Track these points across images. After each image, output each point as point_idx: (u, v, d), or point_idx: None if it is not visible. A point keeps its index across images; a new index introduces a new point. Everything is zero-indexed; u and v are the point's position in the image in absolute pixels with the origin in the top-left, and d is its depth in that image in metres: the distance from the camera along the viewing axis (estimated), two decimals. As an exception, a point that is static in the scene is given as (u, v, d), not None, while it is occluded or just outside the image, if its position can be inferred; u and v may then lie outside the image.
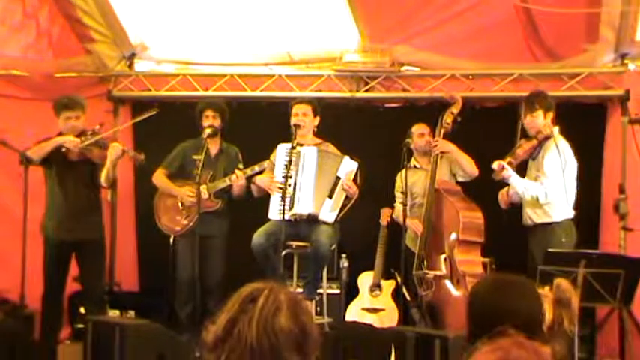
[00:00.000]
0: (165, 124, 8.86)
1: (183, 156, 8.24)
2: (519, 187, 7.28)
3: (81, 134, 7.56)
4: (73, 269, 7.78)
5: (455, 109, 8.01)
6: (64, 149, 7.46)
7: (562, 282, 3.79)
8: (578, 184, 7.37)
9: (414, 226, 7.84)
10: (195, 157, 8.06)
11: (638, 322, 7.58)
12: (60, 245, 7.58)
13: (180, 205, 8.14)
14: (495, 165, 7.27)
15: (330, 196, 7.67)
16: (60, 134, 7.59)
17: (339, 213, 7.74)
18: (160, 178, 8.24)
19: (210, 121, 8.10)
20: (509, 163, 7.31)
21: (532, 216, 7.39)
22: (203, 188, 7.87)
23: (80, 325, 7.95)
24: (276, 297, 2.40)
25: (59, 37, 9.17)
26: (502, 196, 7.52)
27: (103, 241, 7.93)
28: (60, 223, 7.58)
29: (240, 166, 8.08)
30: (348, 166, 7.73)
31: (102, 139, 7.59)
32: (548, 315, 3.60)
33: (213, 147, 8.17)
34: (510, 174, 7.28)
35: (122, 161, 7.84)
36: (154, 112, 8.11)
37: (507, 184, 7.42)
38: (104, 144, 7.55)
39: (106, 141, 7.63)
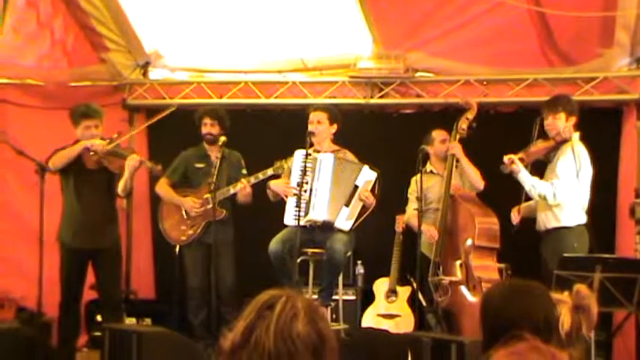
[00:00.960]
0: (179, 132, 8.90)
1: (185, 165, 8.27)
2: (527, 183, 7.26)
3: (111, 142, 7.58)
4: (90, 277, 7.81)
5: (470, 115, 8.01)
6: (91, 152, 7.48)
7: (581, 288, 3.79)
8: (594, 189, 7.36)
9: (429, 233, 7.84)
10: (197, 166, 8.10)
11: (655, 327, 7.57)
12: (76, 254, 7.61)
13: (184, 214, 8.16)
14: (506, 158, 7.27)
15: (347, 205, 7.69)
16: (76, 143, 7.61)
17: (356, 221, 7.75)
18: (163, 187, 8.28)
19: (208, 128, 8.15)
20: (521, 159, 7.29)
21: (544, 221, 7.39)
22: (207, 196, 7.91)
23: (97, 333, 7.99)
24: (294, 304, 2.42)
25: (73, 46, 9.22)
26: (514, 213, 7.51)
27: (120, 249, 7.96)
28: (76, 231, 7.61)
29: (244, 171, 8.11)
30: (367, 176, 7.75)
31: (120, 149, 7.62)
32: (567, 321, 3.61)
33: (214, 154, 8.19)
34: (520, 169, 7.26)
35: (147, 169, 7.86)
36: (173, 110, 8.15)
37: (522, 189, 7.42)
38: (122, 154, 7.58)
39: (125, 151, 7.65)
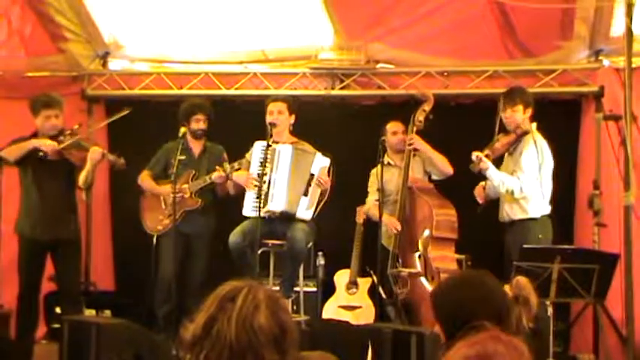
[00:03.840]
0: (139, 123, 8.86)
1: (166, 157, 8.25)
2: (496, 179, 7.33)
3: (59, 134, 7.54)
4: (49, 269, 7.76)
5: (427, 107, 8.04)
6: (40, 153, 7.43)
7: (520, 279, 3.83)
8: (554, 180, 7.43)
9: (391, 224, 7.85)
10: (179, 158, 8.08)
11: (611, 317, 7.64)
12: (35, 245, 7.57)
13: (163, 204, 8.17)
14: (474, 156, 7.31)
15: (306, 194, 7.70)
16: (35, 133, 7.56)
17: (315, 210, 7.77)
18: (145, 179, 8.30)
19: (200, 125, 8.15)
20: (487, 156, 7.35)
21: (509, 212, 7.46)
22: (185, 187, 7.91)
23: (56, 325, 7.95)
24: (255, 295, 2.43)
25: (31, 36, 9.12)
26: (479, 190, 7.57)
27: (79, 241, 7.92)
28: (35, 222, 7.57)
29: (226, 164, 8.08)
30: (321, 162, 7.76)
31: (81, 141, 7.57)
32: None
33: (197, 147, 8.23)
34: (488, 166, 7.32)
35: (108, 161, 7.81)
36: (127, 112, 8.10)
37: (483, 179, 7.46)
38: (84, 146, 7.53)
39: (86, 143, 7.60)
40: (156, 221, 8.20)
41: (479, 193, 7.57)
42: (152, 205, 8.28)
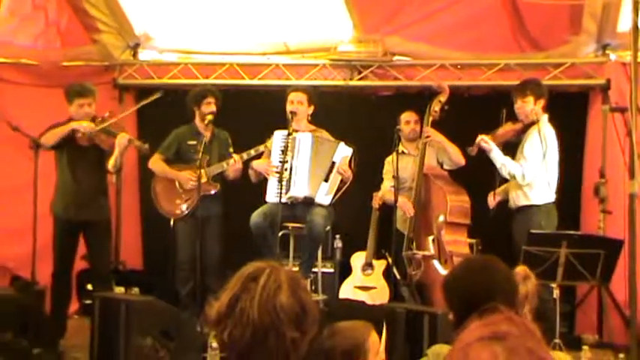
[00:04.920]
0: (167, 111, 8.86)
1: (178, 142, 8.20)
2: (498, 161, 7.30)
3: (92, 120, 7.55)
4: (82, 248, 7.79)
5: (442, 98, 8.02)
6: (79, 134, 7.46)
7: (520, 269, 3.82)
8: (561, 169, 7.39)
9: (405, 207, 7.82)
10: (190, 143, 8.06)
11: (615, 299, 7.63)
12: (68, 225, 7.59)
13: (179, 188, 8.12)
14: (478, 138, 7.30)
15: (326, 180, 7.69)
16: (70, 120, 7.58)
17: (334, 196, 7.75)
18: (157, 162, 8.21)
19: (212, 107, 8.08)
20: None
21: (515, 199, 7.44)
22: (203, 172, 7.87)
23: (88, 301, 7.99)
24: (277, 276, 2.42)
25: (67, 28, 9.18)
26: (490, 197, 7.54)
27: (109, 222, 7.93)
28: (68, 203, 7.59)
29: (231, 149, 8.08)
30: (344, 152, 7.74)
31: (111, 127, 7.58)
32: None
33: (207, 132, 8.15)
34: (491, 147, 7.30)
35: (134, 147, 7.82)
36: (158, 95, 8.10)
37: (489, 167, 7.42)
38: (113, 132, 7.54)
39: (116, 130, 7.61)
40: (173, 205, 8.14)
41: (490, 201, 7.54)
42: (167, 189, 8.18)
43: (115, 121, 7.68)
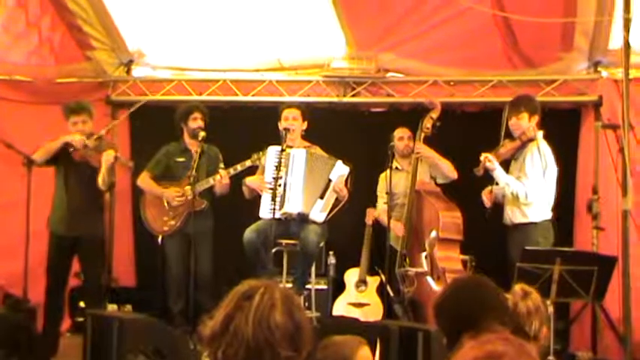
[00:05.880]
0: (160, 127, 8.86)
1: (166, 158, 8.22)
2: (502, 180, 7.30)
3: (87, 138, 7.55)
4: (76, 266, 7.78)
5: (434, 114, 8.05)
6: (71, 148, 7.46)
7: (521, 290, 3.81)
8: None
9: (396, 229, 7.86)
10: (178, 160, 8.07)
11: (609, 316, 7.61)
12: (61, 240, 7.64)
13: (166, 205, 8.10)
14: (482, 157, 7.29)
15: (322, 197, 7.69)
16: None
17: (329, 214, 7.74)
18: (145, 180, 8.22)
19: (198, 122, 8.08)
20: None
21: (510, 215, 7.42)
22: (188, 188, 7.86)
23: (80, 319, 7.95)
24: (272, 294, 2.41)
25: (60, 45, 9.17)
26: (486, 194, 7.51)
27: (103, 238, 7.91)
28: (61, 219, 7.64)
29: (222, 165, 8.08)
30: (341, 170, 7.75)
31: (102, 145, 7.57)
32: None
33: (194, 148, 8.12)
34: (495, 166, 7.30)
35: (120, 164, 7.81)
36: (142, 103, 8.14)
37: (488, 183, 7.41)
38: (103, 149, 7.55)
39: (106, 147, 7.61)
40: (161, 222, 8.14)
41: (486, 197, 7.50)
42: (154, 206, 8.19)
43: (101, 135, 7.67)
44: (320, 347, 4.04)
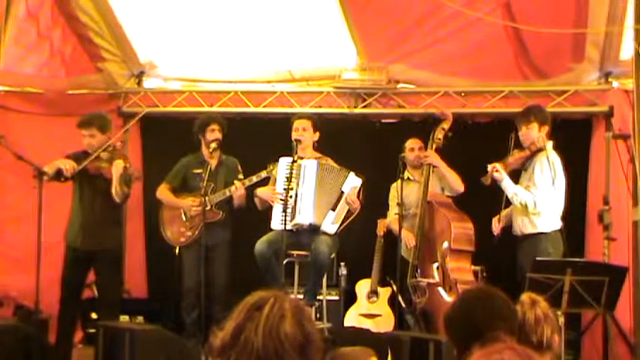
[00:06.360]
0: (172, 138, 8.91)
1: (184, 170, 8.25)
2: (510, 191, 7.29)
3: (99, 150, 7.54)
4: (92, 276, 7.84)
5: (446, 125, 8.05)
6: (62, 178, 7.49)
7: (529, 298, 3.81)
8: (565, 196, 7.39)
9: (407, 239, 7.86)
10: (195, 171, 8.09)
11: (621, 327, 7.59)
12: (76, 253, 7.64)
13: (183, 216, 8.14)
14: (489, 167, 7.29)
15: (334, 209, 7.69)
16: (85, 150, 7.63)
17: (340, 225, 7.75)
18: (163, 192, 8.28)
19: (216, 134, 8.11)
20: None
21: (520, 226, 7.40)
22: (207, 199, 7.90)
23: (92, 330, 7.96)
24: (281, 305, 2.42)
25: (71, 56, 9.23)
26: (494, 223, 7.53)
27: (119, 252, 7.89)
28: (77, 232, 7.65)
29: (241, 176, 8.09)
30: (353, 182, 7.76)
31: (114, 157, 7.57)
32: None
33: (213, 159, 8.18)
34: (503, 176, 7.29)
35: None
36: (143, 113, 8.20)
37: (497, 194, 7.41)
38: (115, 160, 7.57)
39: (117, 158, 7.63)
40: (178, 233, 8.19)
41: (495, 225, 7.52)
42: (172, 217, 8.24)
43: (109, 146, 7.66)
44: (329, 359, 4.05)
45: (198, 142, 8.23)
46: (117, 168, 7.45)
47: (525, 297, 3.91)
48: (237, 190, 7.89)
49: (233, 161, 8.28)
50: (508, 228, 7.53)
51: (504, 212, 7.50)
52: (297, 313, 2.43)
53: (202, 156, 8.19)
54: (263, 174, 7.90)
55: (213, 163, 8.16)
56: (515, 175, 7.49)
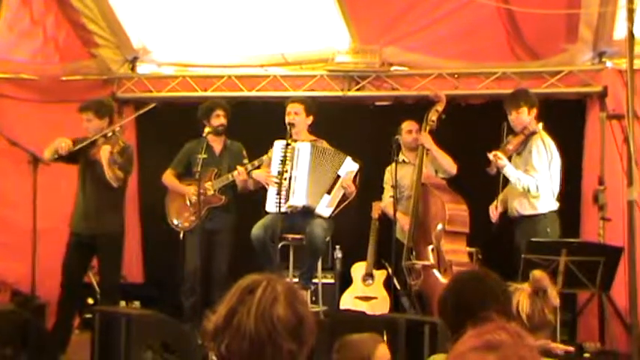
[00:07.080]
0: (165, 123, 8.91)
1: (188, 156, 8.25)
2: (513, 176, 7.30)
3: (104, 136, 7.55)
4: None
5: (439, 107, 8.05)
6: (55, 155, 7.48)
7: (536, 273, 3.81)
8: (560, 177, 7.40)
9: (402, 221, 7.87)
10: (199, 156, 8.08)
11: (616, 307, 7.62)
12: (76, 238, 7.66)
13: (188, 202, 8.16)
14: (491, 155, 7.29)
15: (329, 192, 7.70)
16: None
17: (335, 209, 7.76)
18: (168, 178, 8.31)
19: (221, 120, 8.13)
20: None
21: (518, 208, 7.42)
22: (208, 185, 7.93)
23: (88, 315, 7.97)
24: (274, 288, 2.42)
25: (65, 42, 9.19)
26: (492, 211, 7.54)
27: (119, 237, 7.86)
28: (80, 217, 7.67)
29: (245, 161, 8.10)
30: (350, 166, 7.76)
31: (110, 141, 7.56)
32: (526, 305, 3.63)
33: (218, 144, 8.21)
34: (505, 163, 7.30)
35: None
36: (153, 106, 8.16)
37: (494, 179, 7.42)
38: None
39: (113, 143, 7.63)
40: (182, 218, 8.21)
41: (492, 213, 7.54)
42: (177, 202, 8.28)
43: (107, 133, 7.65)
44: (337, 348, 4.05)
45: (202, 128, 8.19)
46: (104, 153, 7.45)
47: (537, 273, 3.90)
48: (240, 175, 7.91)
49: (238, 146, 8.29)
50: (504, 210, 7.55)
51: (501, 197, 7.51)
52: (290, 296, 2.43)
53: (207, 141, 8.16)
54: (264, 158, 7.92)
55: (217, 147, 8.17)
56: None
